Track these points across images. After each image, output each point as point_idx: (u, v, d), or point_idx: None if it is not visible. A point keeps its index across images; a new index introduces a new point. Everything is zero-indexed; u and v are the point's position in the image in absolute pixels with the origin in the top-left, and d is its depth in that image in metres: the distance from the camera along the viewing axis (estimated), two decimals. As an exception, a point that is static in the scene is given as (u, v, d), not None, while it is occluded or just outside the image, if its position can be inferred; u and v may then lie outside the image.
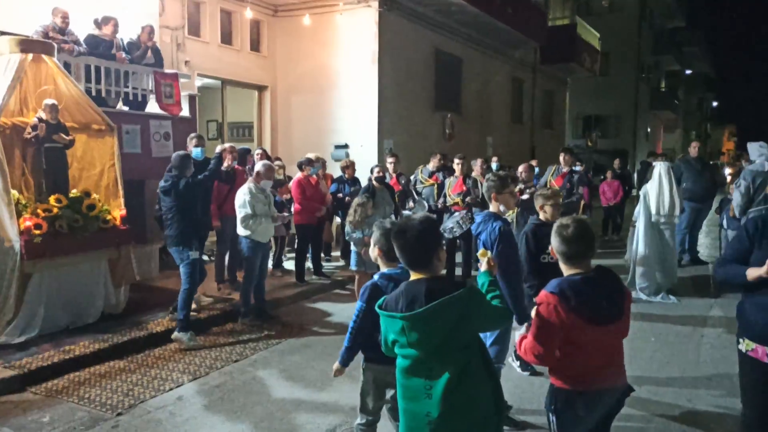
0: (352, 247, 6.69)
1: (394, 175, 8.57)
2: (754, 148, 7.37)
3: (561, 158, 8.82)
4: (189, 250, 5.57)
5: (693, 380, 4.82)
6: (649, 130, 33.07)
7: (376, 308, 2.28)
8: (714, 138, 60.85)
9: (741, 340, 2.84)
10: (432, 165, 9.09)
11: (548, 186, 8.75)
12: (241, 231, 6.11)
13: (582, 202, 11.25)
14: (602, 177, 13.01)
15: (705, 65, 43.42)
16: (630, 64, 28.39)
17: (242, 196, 6.03)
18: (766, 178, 6.82)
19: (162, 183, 5.66)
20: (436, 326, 2.11)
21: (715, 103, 56.70)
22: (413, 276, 2.27)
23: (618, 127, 29.25)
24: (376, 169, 7.62)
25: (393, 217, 7.22)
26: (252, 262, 6.16)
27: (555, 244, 2.54)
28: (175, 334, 5.51)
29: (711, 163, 8.43)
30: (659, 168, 7.58)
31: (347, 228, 6.53)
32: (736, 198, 7.02)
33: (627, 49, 27.84)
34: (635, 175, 18.19)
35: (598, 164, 21.22)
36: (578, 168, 9.86)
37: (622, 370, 2.60)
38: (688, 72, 39.70)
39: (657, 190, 7.42)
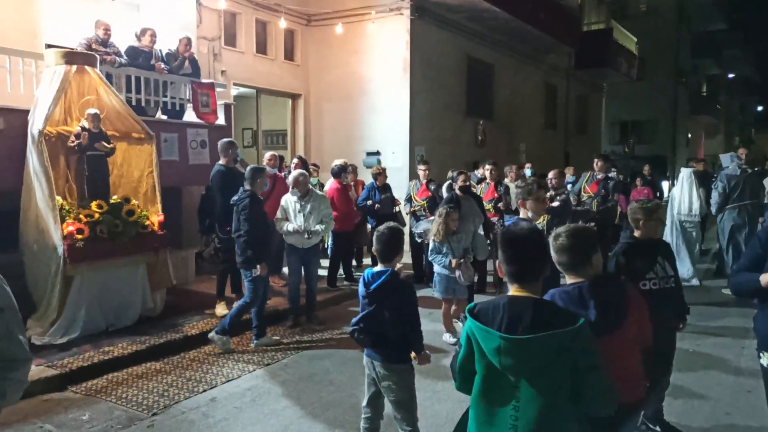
0: (437, 269, 5.83)
1: (424, 183, 8.59)
2: (726, 157, 8.83)
3: (595, 164, 8.70)
4: (255, 267, 5.50)
5: (733, 392, 4.67)
6: (689, 135, 32.23)
7: (467, 313, 2.09)
8: (759, 143, 58.83)
9: (762, 354, 2.78)
10: (480, 172, 9.08)
11: (581, 192, 8.66)
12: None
13: (618, 210, 11.05)
14: (634, 184, 12.72)
15: (747, 68, 42.07)
16: (668, 69, 27.78)
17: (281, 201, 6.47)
18: (738, 180, 8.11)
19: (236, 198, 5.59)
20: (536, 355, 1.93)
21: (759, 108, 54.85)
22: (514, 290, 2.08)
23: (656, 133, 28.59)
24: (460, 178, 6.88)
25: (482, 230, 6.77)
26: (290, 263, 6.55)
27: (552, 254, 2.46)
28: (212, 334, 5.64)
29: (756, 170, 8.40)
30: (683, 173, 8.97)
31: (431, 246, 5.83)
32: (714, 197, 8.28)
33: (665, 53, 27.26)
34: (674, 182, 17.73)
35: (636, 171, 20.76)
36: (613, 174, 9.71)
37: (631, 386, 2.44)
38: (730, 76, 38.57)
39: (680, 192, 8.75)
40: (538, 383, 1.93)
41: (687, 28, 29.62)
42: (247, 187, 5.59)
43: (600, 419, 2.08)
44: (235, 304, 5.78)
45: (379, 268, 3.28)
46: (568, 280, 2.51)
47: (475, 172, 9.36)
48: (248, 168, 5.83)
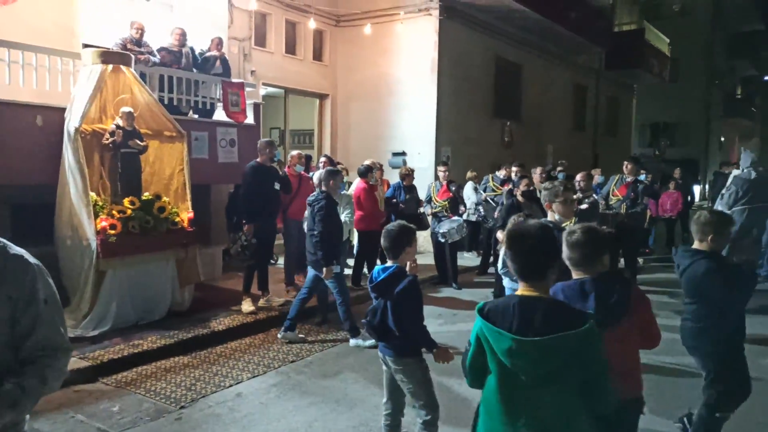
0: (508, 283, 4.94)
1: (444, 183, 8.57)
2: (746, 155, 8.69)
3: (625, 167, 8.56)
4: (330, 264, 5.65)
5: None
6: (722, 139, 31.46)
7: (476, 311, 2.11)
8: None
9: None
10: (503, 173, 9.04)
11: (609, 195, 8.52)
12: None
13: (648, 213, 10.85)
14: (666, 187, 12.43)
15: (786, 70, 40.83)
16: (702, 70, 27.14)
17: None
18: (751, 185, 8.11)
19: (312, 198, 5.78)
20: (547, 356, 1.93)
21: (796, 111, 53.17)
22: (523, 289, 2.08)
23: (688, 136, 27.96)
24: (522, 182, 6.72)
25: None
26: None
27: (563, 250, 2.55)
28: (280, 335, 5.87)
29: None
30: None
31: (501, 260, 5.14)
32: (727, 200, 8.23)
33: (699, 54, 26.65)
34: (706, 186, 17.37)
35: (666, 174, 20.39)
36: (643, 177, 9.55)
37: (627, 380, 2.49)
38: (767, 78, 37.49)
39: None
40: (551, 383, 1.95)
41: (722, 29, 28.90)
42: (323, 188, 5.75)
43: (602, 417, 2.12)
44: (294, 297, 6.06)
45: (388, 263, 3.37)
46: (574, 275, 2.57)
47: (497, 173, 9.28)
48: (323, 170, 6.03)
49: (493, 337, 2.00)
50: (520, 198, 6.18)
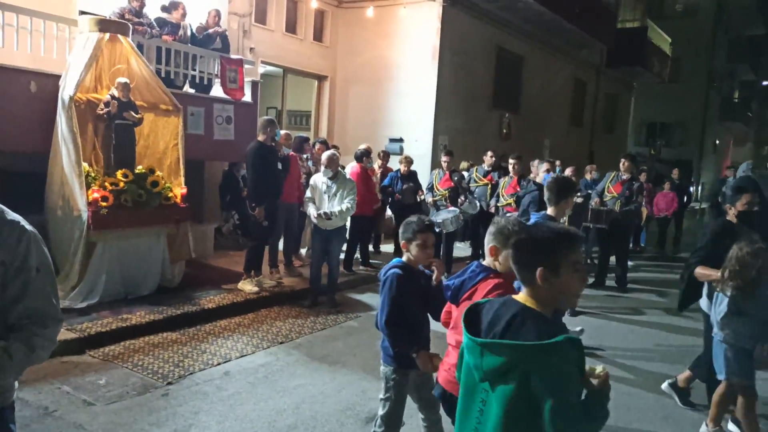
0: (723, 337, 3.68)
1: (447, 173, 8.53)
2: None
3: (622, 164, 8.55)
4: None
5: None
6: (717, 141, 31.60)
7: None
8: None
9: None
10: (486, 163, 8.99)
11: (604, 192, 8.52)
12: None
13: (644, 212, 10.87)
14: (660, 187, 12.44)
15: (784, 76, 41.00)
16: (701, 72, 27.19)
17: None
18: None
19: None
20: (492, 361, 1.78)
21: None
22: (522, 294, 1.92)
23: (684, 137, 28.07)
24: (744, 197, 3.98)
25: None
26: (313, 244, 6.63)
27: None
28: None
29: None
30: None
31: (722, 308, 3.65)
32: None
33: (699, 55, 26.67)
34: (699, 188, 17.46)
35: (660, 174, 20.48)
36: (642, 178, 9.62)
37: None
38: (765, 83, 37.63)
39: None
40: (498, 389, 1.79)
41: (724, 31, 28.91)
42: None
43: None
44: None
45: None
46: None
47: (483, 165, 9.12)
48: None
49: (464, 331, 1.93)
50: (733, 219, 4.13)
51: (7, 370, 1.66)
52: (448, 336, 2.74)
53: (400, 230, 3.05)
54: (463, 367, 1.96)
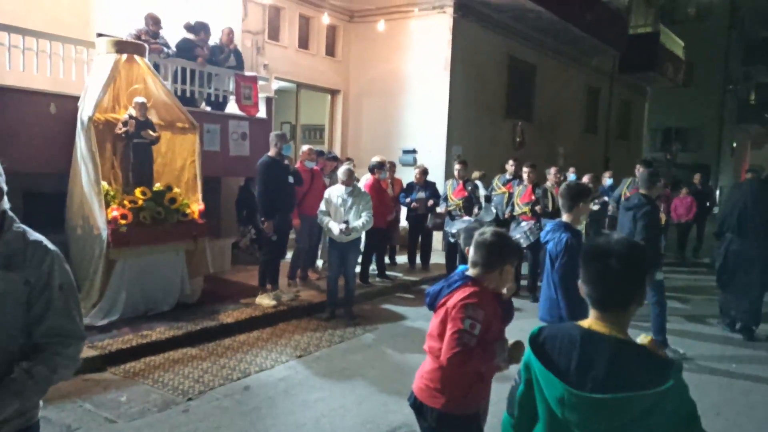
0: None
1: (461, 182, 8.52)
2: None
3: (637, 170, 8.49)
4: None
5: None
6: (734, 145, 31.19)
7: (528, 339, 1.71)
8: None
9: None
10: (508, 172, 8.97)
11: (620, 197, 8.45)
12: None
13: (662, 218, 10.71)
14: (677, 192, 12.27)
15: (801, 77, 40.43)
16: (716, 75, 26.87)
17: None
18: None
19: (635, 203, 5.40)
20: (610, 417, 1.51)
21: (811, 119, 52.64)
22: (593, 320, 1.65)
23: (700, 141, 27.73)
24: None
25: None
26: (330, 257, 6.71)
27: (472, 249, 2.64)
28: None
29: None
30: None
31: None
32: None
33: (714, 58, 26.37)
34: (717, 192, 17.19)
35: (677, 179, 20.26)
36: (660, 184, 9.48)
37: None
38: (782, 84, 37.15)
39: None
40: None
41: (739, 34, 28.62)
42: (644, 191, 5.41)
43: None
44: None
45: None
46: (470, 272, 2.61)
47: (505, 174, 9.12)
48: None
49: (544, 378, 1.61)
50: None
51: (29, 393, 1.67)
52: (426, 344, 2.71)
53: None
54: (544, 416, 1.65)
